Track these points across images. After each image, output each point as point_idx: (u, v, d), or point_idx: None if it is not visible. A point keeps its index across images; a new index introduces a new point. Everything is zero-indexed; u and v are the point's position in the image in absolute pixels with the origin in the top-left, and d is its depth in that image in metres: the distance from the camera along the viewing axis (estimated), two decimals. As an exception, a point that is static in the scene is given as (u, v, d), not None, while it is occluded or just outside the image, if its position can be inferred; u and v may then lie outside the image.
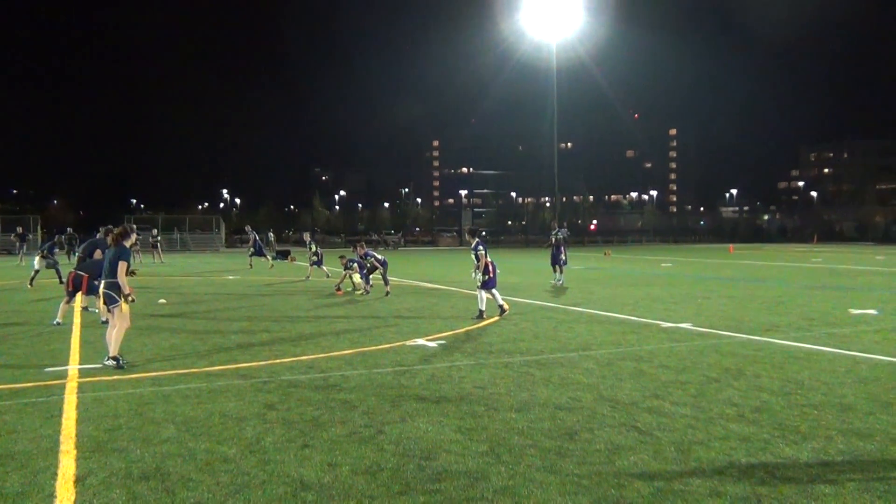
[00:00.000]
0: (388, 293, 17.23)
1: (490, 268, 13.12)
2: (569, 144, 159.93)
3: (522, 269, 29.76)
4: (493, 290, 13.19)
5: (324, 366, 8.59)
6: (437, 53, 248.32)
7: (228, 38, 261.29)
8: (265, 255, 30.60)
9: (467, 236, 14.59)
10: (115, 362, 8.55)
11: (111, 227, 14.60)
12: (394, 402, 6.76)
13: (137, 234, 9.40)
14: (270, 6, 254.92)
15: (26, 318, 13.45)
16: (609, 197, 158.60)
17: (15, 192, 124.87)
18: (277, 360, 8.93)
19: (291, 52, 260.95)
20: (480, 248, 13.09)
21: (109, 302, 8.88)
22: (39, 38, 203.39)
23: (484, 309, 13.02)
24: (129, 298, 8.83)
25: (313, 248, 23.62)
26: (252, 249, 30.16)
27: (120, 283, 8.76)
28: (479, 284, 13.16)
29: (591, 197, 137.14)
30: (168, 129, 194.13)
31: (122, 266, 8.81)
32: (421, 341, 10.37)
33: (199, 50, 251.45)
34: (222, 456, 5.23)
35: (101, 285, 8.96)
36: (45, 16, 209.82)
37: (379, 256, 18.27)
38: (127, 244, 9.11)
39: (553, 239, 21.94)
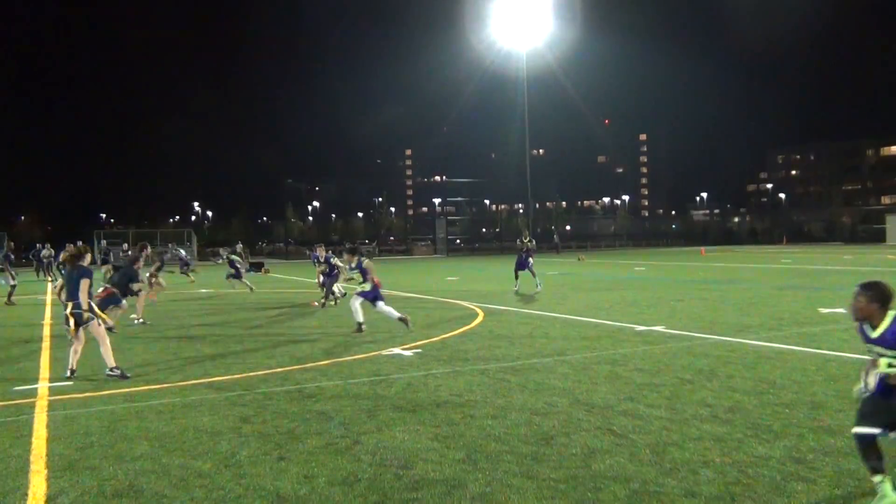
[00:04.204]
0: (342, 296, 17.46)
1: (375, 280, 12.51)
2: (541, 151, 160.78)
3: (497, 276, 29.81)
4: (380, 303, 12.49)
5: (299, 377, 8.54)
6: (408, 62, 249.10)
7: (197, 49, 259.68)
8: (241, 278, 29.92)
9: (346, 255, 13.35)
10: (118, 371, 8.65)
11: (144, 243, 15.27)
12: (370, 412, 6.74)
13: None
14: (239, 17, 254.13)
15: (-6, 336, 13.21)
16: (582, 202, 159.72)
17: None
18: (252, 373, 8.86)
19: (262, 62, 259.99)
20: (364, 262, 12.62)
21: (83, 321, 8.80)
22: (3, 53, 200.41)
23: (362, 321, 12.37)
24: (86, 317, 8.79)
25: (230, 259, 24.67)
26: (232, 271, 29.46)
27: (81, 301, 8.76)
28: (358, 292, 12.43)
29: (564, 203, 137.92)
30: (137, 142, 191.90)
31: (84, 284, 8.81)
32: (397, 350, 10.36)
33: (167, 62, 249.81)
34: (197, 471, 5.18)
35: (69, 307, 8.87)
36: (9, 30, 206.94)
37: (340, 264, 17.95)
38: (84, 263, 9.10)
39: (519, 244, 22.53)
